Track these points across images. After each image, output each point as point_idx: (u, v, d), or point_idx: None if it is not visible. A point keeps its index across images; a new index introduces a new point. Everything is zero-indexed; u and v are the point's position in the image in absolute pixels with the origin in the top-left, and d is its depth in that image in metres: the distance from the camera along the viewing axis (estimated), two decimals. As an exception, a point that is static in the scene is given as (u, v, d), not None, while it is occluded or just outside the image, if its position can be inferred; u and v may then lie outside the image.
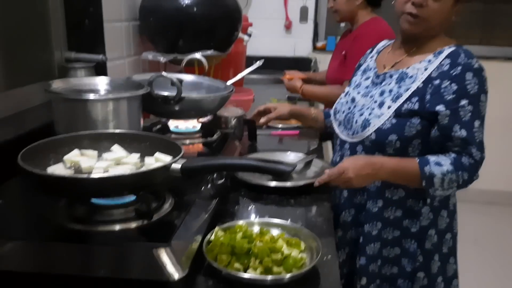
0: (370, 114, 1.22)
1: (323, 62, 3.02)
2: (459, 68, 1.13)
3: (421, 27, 1.18)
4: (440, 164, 1.12)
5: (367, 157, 1.19)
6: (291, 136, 1.77)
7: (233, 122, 1.47)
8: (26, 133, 1.16)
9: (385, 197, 1.23)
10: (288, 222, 0.96)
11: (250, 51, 2.80)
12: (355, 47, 1.97)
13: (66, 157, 0.88)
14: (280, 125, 1.82)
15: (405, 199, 1.22)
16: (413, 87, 1.18)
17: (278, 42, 3.37)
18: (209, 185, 1.01)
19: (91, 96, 1.01)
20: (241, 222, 0.92)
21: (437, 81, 1.15)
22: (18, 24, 1.28)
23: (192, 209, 0.90)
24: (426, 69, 1.18)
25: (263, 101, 2.18)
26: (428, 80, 1.16)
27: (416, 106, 1.15)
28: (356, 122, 1.25)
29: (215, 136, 1.32)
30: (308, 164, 1.31)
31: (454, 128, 1.12)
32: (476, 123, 1.13)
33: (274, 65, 3.22)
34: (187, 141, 1.30)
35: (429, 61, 1.19)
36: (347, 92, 1.37)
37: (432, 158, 1.13)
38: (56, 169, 0.83)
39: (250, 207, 1.12)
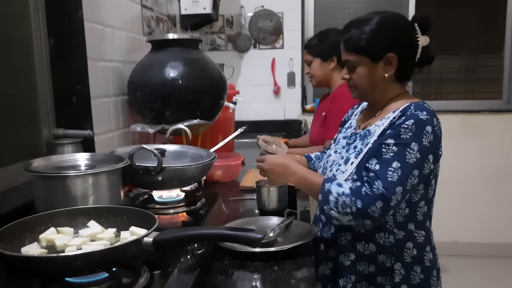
0: (337, 170, 1.29)
1: (313, 123, 3.09)
2: (403, 117, 1.17)
3: (359, 94, 1.30)
4: (341, 185, 1.16)
5: (286, 159, 1.32)
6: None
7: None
8: (9, 212, 1.16)
9: (357, 251, 1.25)
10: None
11: (241, 116, 2.89)
12: (333, 108, 2.05)
13: (41, 236, 0.88)
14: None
15: (376, 254, 1.23)
16: (371, 141, 1.23)
17: (268, 107, 3.47)
18: (189, 256, 1.00)
19: (69, 173, 1.03)
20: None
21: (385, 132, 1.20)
22: (5, 103, 1.33)
23: (169, 283, 0.88)
24: (383, 125, 1.23)
25: (252, 165, 2.21)
26: (382, 133, 1.21)
27: None
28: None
29: (199, 204, 1.32)
30: (288, 227, 1.31)
31: (371, 161, 1.17)
32: (395, 164, 1.13)
33: (265, 129, 3.30)
34: (171, 211, 1.31)
35: (388, 117, 1.24)
36: (330, 148, 1.45)
37: (338, 180, 1.19)
38: (30, 249, 0.83)
39: (233, 277, 1.10)
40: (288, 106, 3.48)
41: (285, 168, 1.27)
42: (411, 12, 3.36)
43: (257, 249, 1.16)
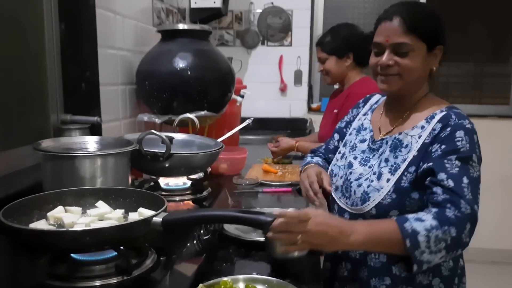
0: (368, 186, 1.14)
1: (318, 122, 3.05)
2: (449, 129, 1.08)
3: (402, 85, 1.14)
4: (421, 219, 0.96)
5: (339, 221, 0.98)
6: (284, 193, 1.76)
7: None
8: (16, 193, 1.16)
9: (393, 274, 1.12)
10: (274, 279, 0.94)
11: (247, 112, 2.86)
12: (348, 106, 1.99)
13: (49, 214, 0.88)
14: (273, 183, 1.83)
15: (413, 275, 1.09)
16: (409, 157, 1.11)
17: (274, 104, 3.47)
18: (195, 241, 1.00)
19: (78, 153, 1.03)
20: (225, 278, 0.90)
21: (429, 147, 1.09)
22: (15, 88, 1.33)
23: (175, 266, 0.88)
24: (420, 137, 1.12)
25: (256, 160, 2.21)
26: (422, 147, 1.10)
27: (414, 177, 1.09)
28: (354, 193, 1.17)
29: (205, 193, 1.32)
30: None
31: (440, 177, 1.01)
32: (465, 180, 1.01)
33: (271, 126, 3.29)
34: (177, 198, 1.30)
35: (422, 127, 1.13)
36: (343, 154, 1.30)
37: (410, 215, 0.99)
38: (38, 225, 0.83)
39: (238, 264, 1.10)
40: (294, 104, 3.48)
41: (339, 228, 0.95)
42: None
43: (263, 239, 1.16)
